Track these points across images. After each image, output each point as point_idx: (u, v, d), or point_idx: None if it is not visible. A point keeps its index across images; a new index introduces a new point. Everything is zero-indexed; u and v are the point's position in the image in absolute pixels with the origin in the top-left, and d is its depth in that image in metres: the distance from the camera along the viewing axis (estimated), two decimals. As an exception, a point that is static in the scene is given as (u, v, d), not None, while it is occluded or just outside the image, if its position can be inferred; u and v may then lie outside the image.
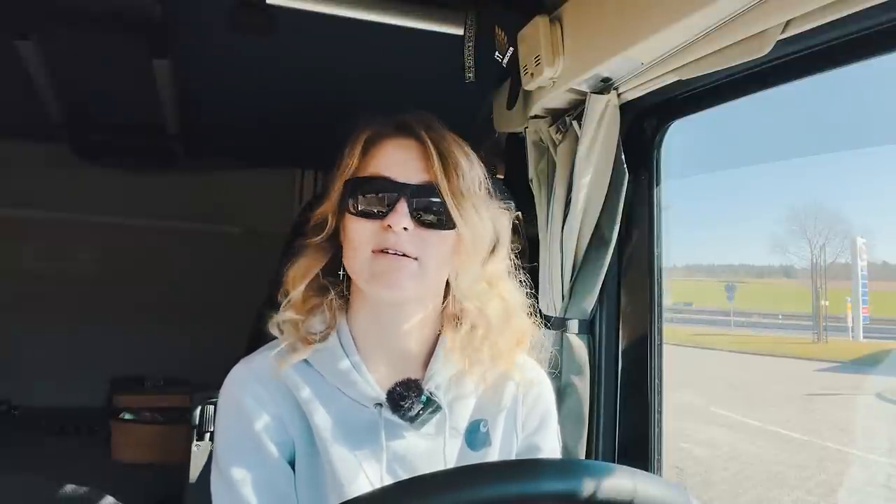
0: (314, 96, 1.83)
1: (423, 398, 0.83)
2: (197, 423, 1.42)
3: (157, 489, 1.87)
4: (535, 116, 1.29)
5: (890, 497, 4.59)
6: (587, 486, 0.56)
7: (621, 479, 0.58)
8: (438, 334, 0.89)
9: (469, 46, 1.30)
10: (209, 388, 1.48)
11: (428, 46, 1.39)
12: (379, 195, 0.81)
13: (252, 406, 0.82)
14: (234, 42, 1.47)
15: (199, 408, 1.43)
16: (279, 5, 1.25)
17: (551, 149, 1.27)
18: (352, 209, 0.82)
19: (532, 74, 1.18)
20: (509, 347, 0.88)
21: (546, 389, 0.96)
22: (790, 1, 0.78)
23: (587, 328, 1.30)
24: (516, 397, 0.92)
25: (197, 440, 1.42)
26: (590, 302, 1.26)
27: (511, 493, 0.54)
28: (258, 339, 1.55)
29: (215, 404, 1.45)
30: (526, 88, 1.25)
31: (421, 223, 0.80)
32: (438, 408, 0.84)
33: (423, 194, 0.81)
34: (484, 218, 0.83)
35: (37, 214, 2.47)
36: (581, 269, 1.24)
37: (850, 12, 0.75)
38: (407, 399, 0.82)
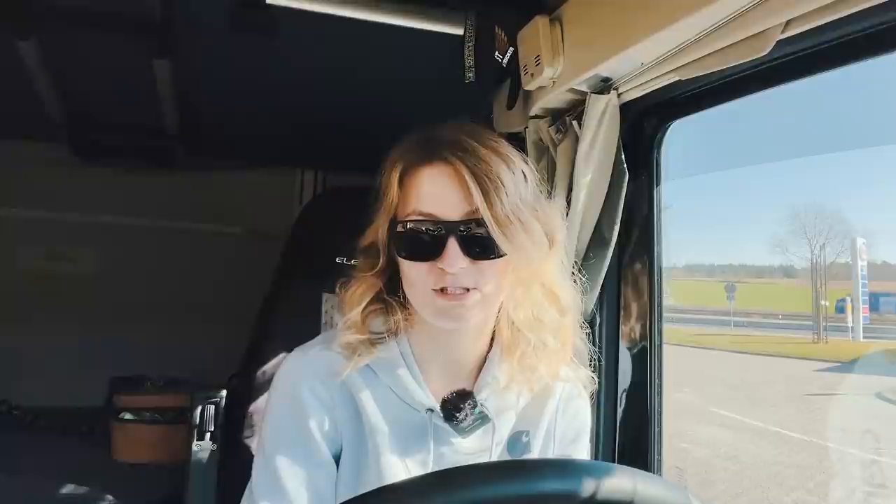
0: (314, 96, 1.83)
1: (477, 410, 0.85)
2: (197, 423, 1.42)
3: (157, 489, 1.87)
4: (535, 116, 1.29)
5: (889, 497, 4.58)
6: (587, 486, 0.56)
7: (621, 479, 0.59)
8: (491, 342, 0.89)
9: (469, 46, 1.30)
10: (209, 388, 1.48)
11: (428, 46, 1.39)
12: (427, 237, 0.79)
13: (309, 400, 0.82)
14: (234, 42, 1.47)
15: (199, 408, 1.43)
16: (279, 5, 1.25)
17: (551, 149, 1.27)
18: (403, 252, 0.81)
19: (532, 74, 1.18)
20: (557, 354, 0.88)
21: (584, 405, 0.97)
22: (790, 1, 0.78)
23: (587, 328, 1.29)
24: (556, 409, 0.93)
25: (197, 440, 1.42)
26: (590, 302, 1.26)
27: (512, 492, 0.55)
28: (258, 339, 1.56)
29: (216, 404, 1.46)
30: (526, 88, 1.24)
31: (474, 256, 0.79)
32: (488, 418, 0.86)
33: (471, 228, 0.78)
34: (534, 231, 0.80)
35: (37, 214, 2.47)
36: (581, 269, 1.24)
37: (850, 12, 0.75)
38: (461, 410, 0.84)
